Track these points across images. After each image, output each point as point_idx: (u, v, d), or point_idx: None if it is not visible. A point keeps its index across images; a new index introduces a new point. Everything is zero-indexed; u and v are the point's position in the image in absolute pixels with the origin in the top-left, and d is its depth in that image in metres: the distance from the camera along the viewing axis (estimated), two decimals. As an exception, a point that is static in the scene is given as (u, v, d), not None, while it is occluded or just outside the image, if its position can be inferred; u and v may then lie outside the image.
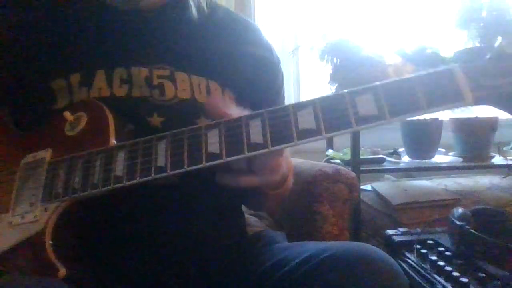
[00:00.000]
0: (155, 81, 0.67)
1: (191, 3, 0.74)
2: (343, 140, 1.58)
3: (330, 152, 1.66)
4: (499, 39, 1.45)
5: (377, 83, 0.46)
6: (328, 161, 1.60)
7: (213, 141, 0.51)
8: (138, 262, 0.64)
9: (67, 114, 0.62)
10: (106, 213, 0.62)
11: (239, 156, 0.49)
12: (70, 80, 0.66)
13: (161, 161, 0.52)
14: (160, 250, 0.65)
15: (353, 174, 1.10)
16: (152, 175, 0.52)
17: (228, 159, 0.50)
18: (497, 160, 1.53)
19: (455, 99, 0.44)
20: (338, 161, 1.54)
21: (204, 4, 0.78)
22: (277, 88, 0.83)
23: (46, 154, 0.61)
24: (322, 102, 0.48)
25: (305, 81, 2.04)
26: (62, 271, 0.54)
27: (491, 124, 1.52)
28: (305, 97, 2.05)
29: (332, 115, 0.47)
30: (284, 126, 0.48)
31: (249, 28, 0.84)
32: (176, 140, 0.53)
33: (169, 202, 0.65)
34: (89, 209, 0.60)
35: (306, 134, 0.47)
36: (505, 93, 0.44)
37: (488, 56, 0.46)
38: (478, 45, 1.46)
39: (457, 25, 1.47)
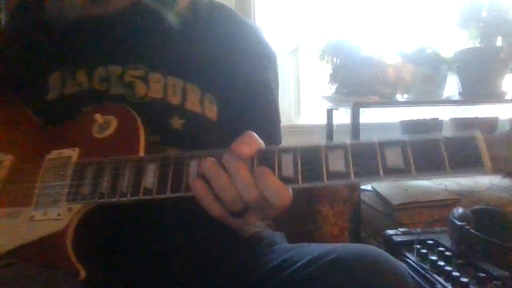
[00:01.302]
0: (126, 80, 0.69)
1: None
2: (342, 139, 1.57)
3: (330, 152, 1.66)
4: (499, 39, 1.45)
5: (406, 137, 0.47)
6: (328, 161, 1.59)
7: None
8: (142, 266, 0.65)
9: (98, 116, 0.61)
10: (113, 218, 0.61)
11: None
12: (49, 79, 0.70)
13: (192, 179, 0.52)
14: (164, 254, 0.65)
15: (353, 174, 1.10)
16: (182, 192, 0.52)
17: None
18: (497, 160, 1.52)
19: (476, 166, 0.45)
20: (338, 161, 1.53)
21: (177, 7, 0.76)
22: (266, 82, 0.80)
23: (73, 153, 0.60)
24: (353, 147, 0.49)
25: (305, 81, 2.04)
26: (83, 273, 0.53)
27: (491, 124, 1.52)
28: (305, 97, 2.05)
29: (362, 162, 0.48)
30: (315, 165, 0.49)
31: (230, 20, 0.79)
32: None
33: (173, 207, 0.65)
34: (105, 215, 0.59)
35: (335, 176, 0.48)
36: None
37: (510, 128, 0.46)
38: (478, 45, 1.46)
39: (457, 25, 1.47)
